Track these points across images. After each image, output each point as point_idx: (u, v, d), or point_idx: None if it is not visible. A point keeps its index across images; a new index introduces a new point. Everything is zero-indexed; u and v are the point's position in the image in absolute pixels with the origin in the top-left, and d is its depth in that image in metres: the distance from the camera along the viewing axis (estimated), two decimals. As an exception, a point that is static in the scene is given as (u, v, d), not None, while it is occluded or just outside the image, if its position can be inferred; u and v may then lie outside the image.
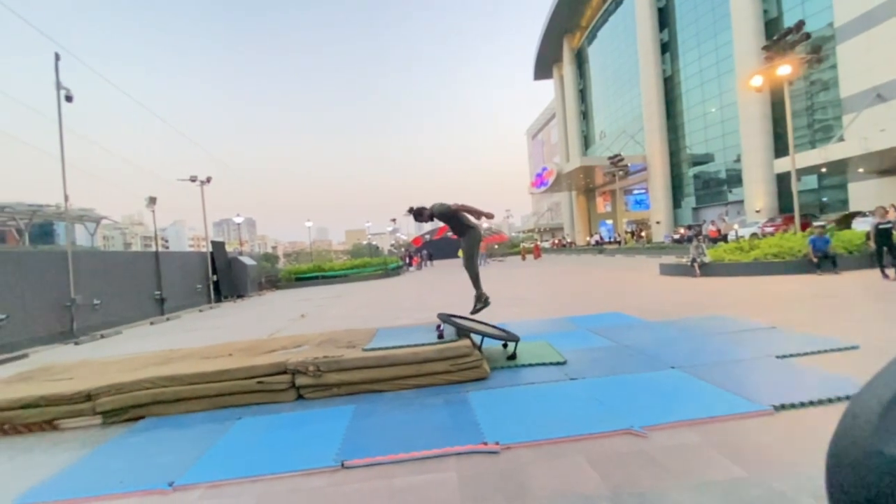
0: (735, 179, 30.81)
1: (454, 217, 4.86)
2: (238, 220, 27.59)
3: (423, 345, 4.09)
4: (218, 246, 18.45)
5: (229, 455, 3.02)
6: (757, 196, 27.44)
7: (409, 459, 2.71)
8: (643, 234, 36.67)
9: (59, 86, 10.71)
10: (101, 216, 42.68)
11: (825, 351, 4.13)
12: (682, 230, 28.57)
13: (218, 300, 17.45)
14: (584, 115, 51.87)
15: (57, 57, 11.06)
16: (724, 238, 22.72)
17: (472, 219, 4.98)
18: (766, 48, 14.58)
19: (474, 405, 3.46)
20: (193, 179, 18.36)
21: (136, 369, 4.48)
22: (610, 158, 30.95)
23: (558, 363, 4.36)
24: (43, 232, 49.95)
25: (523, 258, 33.06)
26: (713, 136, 32.84)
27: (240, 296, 18.73)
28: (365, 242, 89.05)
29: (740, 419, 2.88)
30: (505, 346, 4.85)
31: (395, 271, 26.96)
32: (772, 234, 18.32)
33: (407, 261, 32.78)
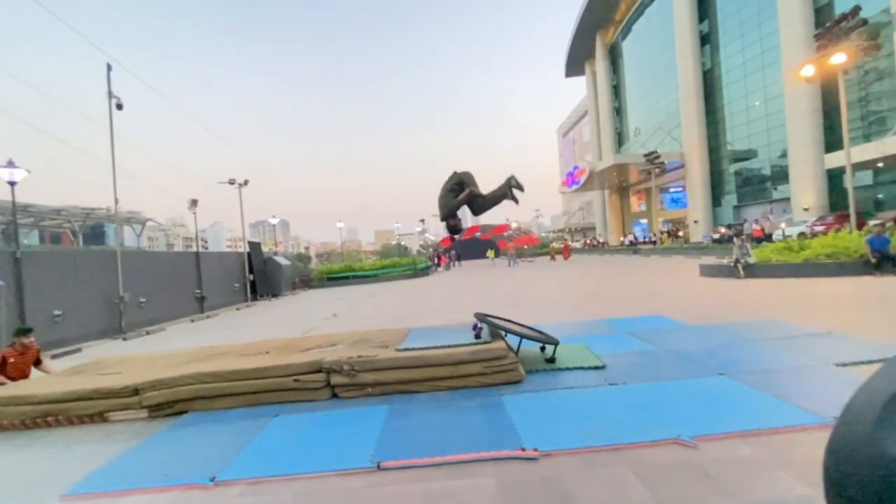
0: (781, 176, 29.21)
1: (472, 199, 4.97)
2: (273, 221, 28.44)
3: (457, 346, 4.03)
4: (254, 246, 19.05)
5: (268, 452, 3.06)
6: (805, 193, 25.91)
7: (446, 463, 2.66)
8: (680, 233, 35.33)
9: (110, 95, 11.31)
10: (146, 218, 44.92)
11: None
12: (722, 229, 27.31)
13: (254, 299, 18.01)
14: (618, 112, 50.51)
15: (109, 68, 11.69)
16: (769, 237, 21.58)
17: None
18: (818, 36, 13.73)
19: (510, 409, 3.38)
20: (232, 182, 19.03)
21: (179, 365, 4.64)
22: (646, 156, 29.98)
23: (597, 367, 4.21)
24: (95, 233, 53.12)
25: (552, 258, 32.48)
26: (757, 130, 31.25)
27: (274, 295, 19.27)
28: (394, 243, 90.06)
29: (800, 431, 2.67)
30: (542, 348, 4.73)
31: (424, 271, 27.07)
32: (822, 233, 17.26)
33: (435, 261, 32.84)
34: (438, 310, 10.12)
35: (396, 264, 28.02)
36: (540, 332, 4.64)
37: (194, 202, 16.32)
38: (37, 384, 4.46)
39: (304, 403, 3.99)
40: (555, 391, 3.71)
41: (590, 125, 56.63)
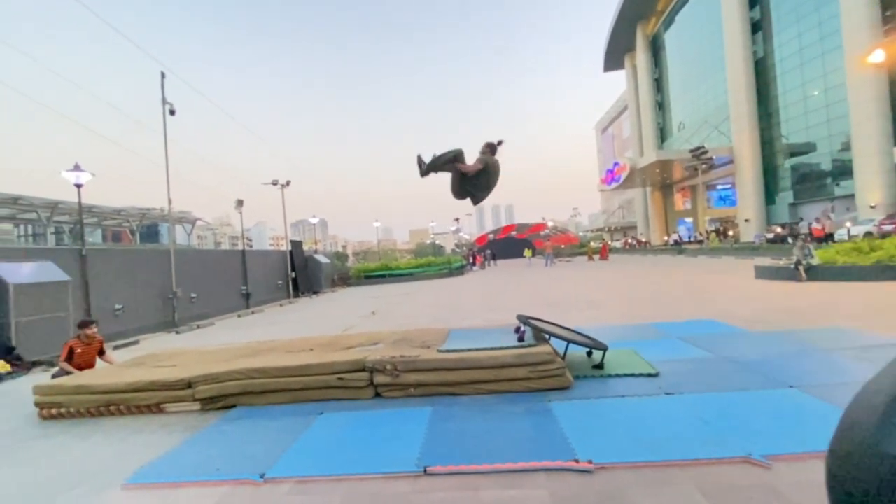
0: (843, 171, 27.09)
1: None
2: (313, 220, 29.23)
3: (501, 348, 3.93)
4: (296, 245, 19.63)
5: (314, 450, 3.07)
6: (871, 189, 23.90)
7: (495, 471, 2.57)
8: (730, 233, 33.48)
9: (164, 101, 11.92)
10: (196, 218, 47.30)
11: None
12: (778, 228, 25.62)
13: (296, 296, 18.55)
14: (660, 106, 48.50)
15: (162, 75, 12.32)
16: (831, 237, 20.05)
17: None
18: (888, 18, 12.55)
19: (559, 416, 3.24)
20: (275, 183, 19.68)
21: (228, 360, 4.78)
22: (692, 151, 28.61)
23: (650, 375, 3.99)
24: (150, 232, 56.50)
25: (590, 259, 31.56)
26: (815, 122, 29.14)
27: (315, 292, 19.78)
28: (428, 241, 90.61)
29: (893, 455, 2.39)
30: (589, 353, 4.55)
31: (459, 271, 27.01)
32: (892, 232, 15.84)
33: (470, 260, 32.70)
34: (476, 310, 10.02)
35: (431, 263, 28.12)
36: (586, 336, 4.46)
37: (240, 202, 16.99)
38: (100, 375, 4.72)
39: (347, 402, 4.00)
40: (606, 399, 3.53)
41: (630, 120, 54.69)
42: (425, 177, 4.42)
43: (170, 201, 12.31)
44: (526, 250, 33.49)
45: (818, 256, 10.16)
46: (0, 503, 2.74)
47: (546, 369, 3.73)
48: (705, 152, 28.44)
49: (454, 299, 12.96)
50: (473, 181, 4.43)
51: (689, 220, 43.94)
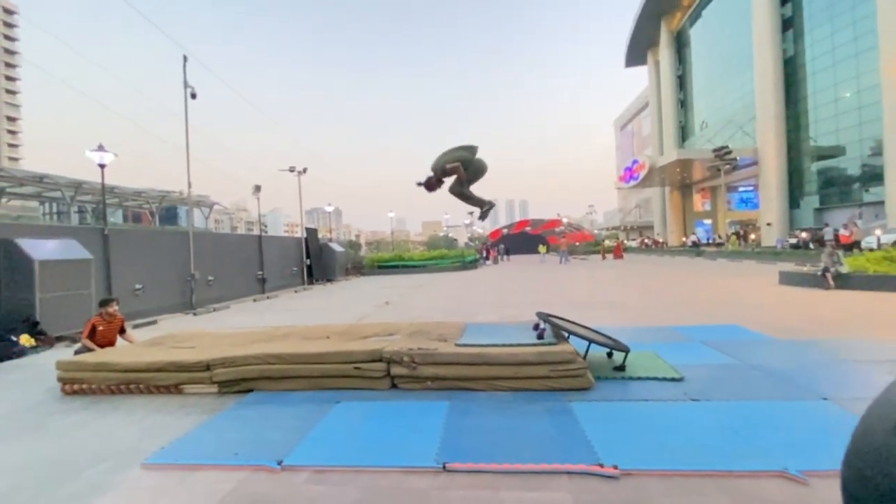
0: (873, 176, 26.16)
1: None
2: (329, 208, 29.37)
3: (521, 345, 3.85)
4: (311, 232, 19.73)
5: (331, 440, 3.05)
6: (903, 196, 23.07)
7: (515, 472, 2.51)
8: (752, 236, 32.70)
9: (185, 84, 11.98)
10: (213, 202, 47.86)
11: None
12: (803, 234, 24.88)
13: (310, 283, 18.69)
14: (682, 104, 47.38)
15: (185, 59, 12.38)
16: (857, 245, 19.42)
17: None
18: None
19: (580, 418, 3.16)
20: (292, 170, 19.77)
21: (246, 344, 4.80)
22: (715, 151, 27.87)
23: (674, 379, 3.88)
24: (169, 214, 57.42)
25: (603, 257, 31.14)
26: (846, 125, 28.14)
27: (329, 280, 19.90)
28: (441, 234, 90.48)
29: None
30: (609, 355, 4.45)
31: (472, 264, 26.91)
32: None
33: (484, 254, 32.54)
34: (490, 305, 9.94)
35: (444, 256, 28.07)
36: (608, 337, 4.35)
37: (258, 188, 17.10)
38: (120, 353, 4.78)
39: (364, 391, 3.98)
40: (628, 402, 3.44)
41: (651, 118, 53.60)
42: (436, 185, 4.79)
43: (189, 184, 12.43)
44: (540, 246, 33.16)
45: (847, 264, 9.82)
46: (28, 477, 2.77)
47: (567, 369, 3.65)
48: (729, 152, 27.70)
49: (468, 293, 12.90)
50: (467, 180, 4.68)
51: (707, 221, 43.07)
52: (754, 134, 33.66)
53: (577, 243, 42.72)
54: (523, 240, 46.97)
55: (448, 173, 4.68)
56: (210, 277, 12.39)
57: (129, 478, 2.70)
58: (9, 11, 69.60)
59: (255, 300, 13.47)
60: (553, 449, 2.73)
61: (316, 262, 19.27)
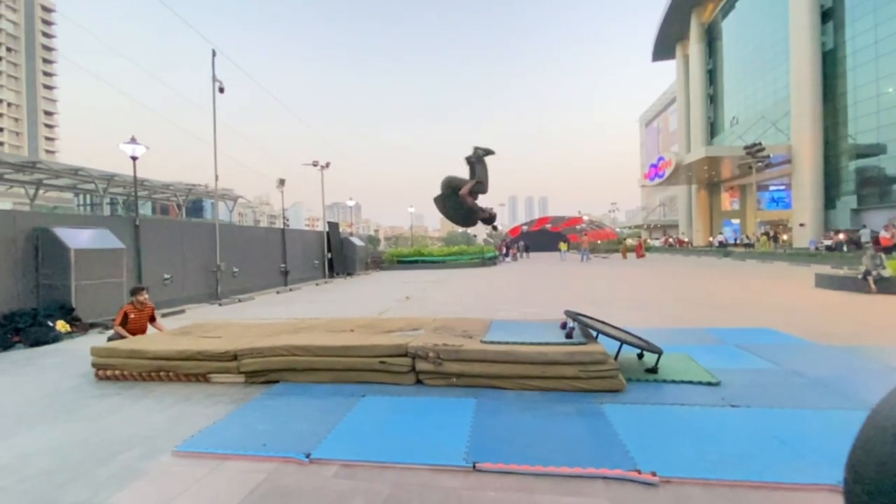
0: (917, 176, 24.88)
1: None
2: (350, 203, 29.65)
3: (549, 344, 3.76)
4: (333, 226, 19.92)
5: (358, 434, 3.03)
6: (949, 197, 21.84)
7: (549, 474, 2.43)
8: (784, 237, 31.52)
9: (214, 78, 12.17)
10: (237, 196, 48.88)
11: None
12: (840, 235, 23.82)
13: (331, 276, 18.89)
14: (712, 100, 45.89)
15: (213, 54, 12.58)
16: (897, 248, 18.48)
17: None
18: None
19: (613, 421, 3.06)
20: (315, 164, 19.96)
21: (271, 335, 4.84)
22: (747, 148, 26.93)
23: (710, 383, 3.72)
24: (195, 207, 58.91)
25: (623, 256, 30.44)
26: (888, 122, 26.74)
27: (349, 273, 20.07)
28: (460, 230, 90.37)
29: None
30: (640, 356, 4.31)
31: (492, 261, 26.75)
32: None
33: (504, 251, 32.27)
34: (511, 301, 9.83)
35: (464, 252, 27.97)
36: (639, 338, 4.21)
37: (282, 181, 17.35)
38: (151, 341, 4.88)
39: (388, 386, 3.96)
40: (663, 406, 3.31)
41: (678, 114, 52.13)
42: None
43: (216, 177, 12.66)
44: (561, 244, 32.71)
45: (890, 267, 9.34)
46: (66, 459, 2.83)
47: (597, 370, 3.54)
48: (762, 149, 26.71)
49: (488, 290, 12.80)
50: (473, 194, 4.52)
51: (735, 221, 41.75)
52: (788, 131, 32.36)
53: (599, 241, 42.02)
54: (543, 237, 46.48)
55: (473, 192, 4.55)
56: (235, 269, 12.63)
57: (160, 464, 2.73)
58: (47, 9, 72.25)
59: (278, 292, 13.67)
60: (587, 452, 2.64)
61: (337, 255, 19.45)
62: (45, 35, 71.82)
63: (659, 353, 4.01)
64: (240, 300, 11.57)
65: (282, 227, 16.57)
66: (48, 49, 72.11)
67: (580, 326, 4.17)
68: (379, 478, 2.49)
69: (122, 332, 5.47)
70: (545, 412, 3.28)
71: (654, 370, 3.97)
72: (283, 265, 15.50)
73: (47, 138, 72.19)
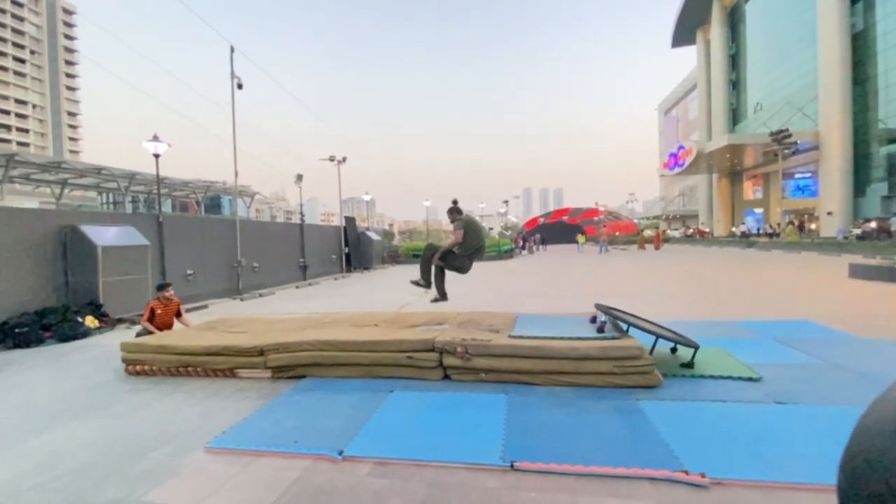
0: (954, 161, 23.76)
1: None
2: (366, 197, 29.76)
3: (581, 339, 3.64)
4: (350, 221, 19.99)
5: (390, 431, 2.97)
6: None
7: (591, 474, 2.33)
8: (813, 226, 30.48)
9: (232, 75, 12.22)
10: (255, 192, 49.49)
11: None
12: (872, 223, 22.89)
13: (349, 270, 18.98)
14: (734, 85, 44.48)
15: (231, 50, 12.62)
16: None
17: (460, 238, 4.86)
18: None
19: (652, 418, 2.94)
20: (332, 159, 20.00)
21: (296, 330, 4.82)
22: (772, 134, 26.04)
23: (750, 379, 3.56)
24: (213, 204, 59.95)
25: (640, 247, 29.78)
26: (923, 105, 25.61)
27: (366, 268, 20.14)
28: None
29: None
30: (674, 350, 4.16)
31: (508, 254, 26.56)
32: None
33: (521, 244, 31.96)
34: (533, 295, 9.70)
35: (480, 245, 27.79)
36: (674, 332, 4.06)
37: (300, 177, 17.41)
38: (178, 336, 4.91)
39: (416, 381, 3.90)
40: (703, 403, 3.18)
41: (698, 101, 50.73)
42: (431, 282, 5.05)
43: (236, 174, 12.76)
44: (579, 236, 32.27)
45: (931, 257, 8.90)
46: (101, 455, 2.84)
47: (633, 365, 3.42)
48: (789, 136, 25.80)
49: (507, 283, 12.68)
50: (466, 245, 4.81)
51: (759, 210, 40.61)
52: (815, 116, 31.22)
53: (618, 233, 41.32)
54: (560, 229, 45.97)
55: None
56: (255, 264, 12.75)
57: (193, 461, 2.72)
58: (68, 11, 73.80)
59: (297, 287, 13.78)
60: (628, 451, 2.54)
61: (354, 250, 19.53)
62: (67, 37, 73.45)
63: (695, 347, 3.86)
64: (260, 295, 11.69)
65: (300, 222, 16.66)
66: (70, 51, 73.79)
67: (611, 320, 4.04)
68: (415, 476, 2.43)
69: (150, 327, 5.53)
70: (579, 409, 3.17)
71: (689, 365, 3.82)
72: (301, 260, 15.62)
73: (71, 138, 74.10)
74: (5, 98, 63.79)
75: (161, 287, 5.88)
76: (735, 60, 44.07)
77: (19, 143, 61.84)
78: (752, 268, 14.11)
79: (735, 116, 44.11)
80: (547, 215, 52.95)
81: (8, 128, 63.73)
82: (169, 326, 5.72)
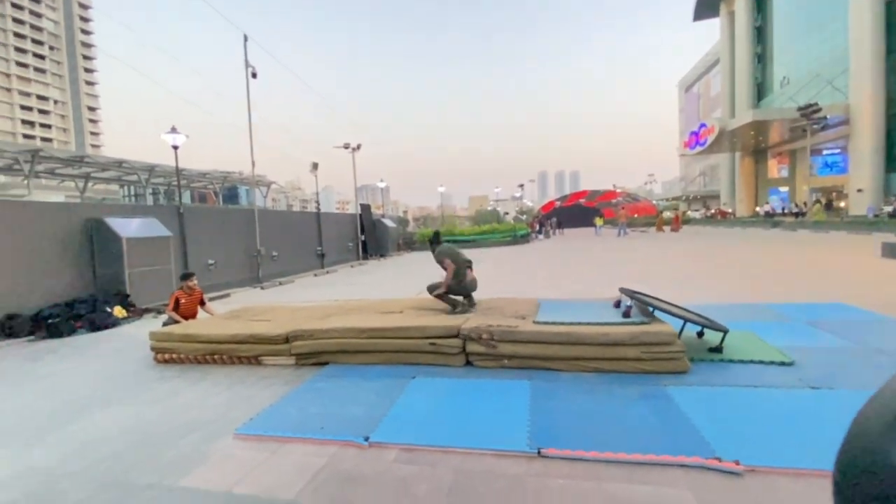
0: None
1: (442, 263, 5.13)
2: (381, 185, 29.74)
3: (610, 324, 3.57)
4: (365, 208, 20.03)
5: (414, 417, 2.98)
6: None
7: (619, 461, 2.30)
8: (842, 204, 29.34)
9: (247, 64, 12.21)
10: (270, 181, 49.96)
11: None
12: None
13: (365, 258, 19.10)
14: (760, 59, 42.65)
15: (245, 38, 12.58)
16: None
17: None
18: None
19: (681, 404, 2.88)
20: (346, 146, 19.98)
21: (320, 317, 4.86)
22: (801, 109, 24.97)
23: (783, 363, 3.46)
24: (230, 194, 60.81)
25: (659, 230, 29.09)
26: (964, 74, 24.16)
27: (382, 255, 20.23)
28: (489, 208, 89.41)
29: None
30: (700, 334, 4.07)
31: (524, 238, 26.33)
32: None
33: (537, 228, 31.59)
34: (551, 280, 9.61)
35: (495, 230, 27.61)
36: (702, 316, 3.96)
37: (315, 165, 17.45)
38: (204, 325, 5.00)
39: (438, 367, 3.90)
40: (734, 388, 3.10)
41: (721, 76, 48.89)
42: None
43: (253, 164, 12.84)
44: (597, 219, 31.74)
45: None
46: (132, 442, 2.92)
47: (662, 351, 3.35)
48: (818, 110, 24.70)
49: (525, 268, 12.59)
50: (457, 272, 4.99)
51: (783, 189, 39.31)
52: (846, 89, 29.79)
53: (636, 215, 40.54)
54: (577, 212, 45.33)
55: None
56: (274, 253, 12.91)
57: (222, 447, 2.77)
58: (84, 6, 74.64)
59: (315, 275, 13.93)
60: (657, 438, 2.49)
61: (370, 237, 19.61)
62: (84, 32, 74.46)
63: (724, 331, 3.75)
64: (280, 283, 11.86)
65: (316, 210, 16.76)
66: (87, 46, 74.85)
67: (637, 304, 3.96)
68: (441, 463, 2.43)
69: (176, 316, 5.65)
70: (605, 395, 3.13)
71: (718, 349, 3.73)
72: (319, 248, 15.76)
73: (92, 133, 75.70)
74: (27, 94, 65.31)
75: (185, 277, 5.99)
76: (761, 33, 42.19)
77: (43, 139, 63.51)
78: (778, 248, 13.69)
79: (760, 91, 42.42)
80: (563, 198, 52.27)
81: (31, 124, 65.39)
82: (193, 315, 5.84)
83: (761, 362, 3.50)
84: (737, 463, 2.18)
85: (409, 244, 25.23)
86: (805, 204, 30.26)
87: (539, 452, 2.42)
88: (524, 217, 47.10)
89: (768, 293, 6.61)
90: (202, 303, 6.03)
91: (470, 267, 5.13)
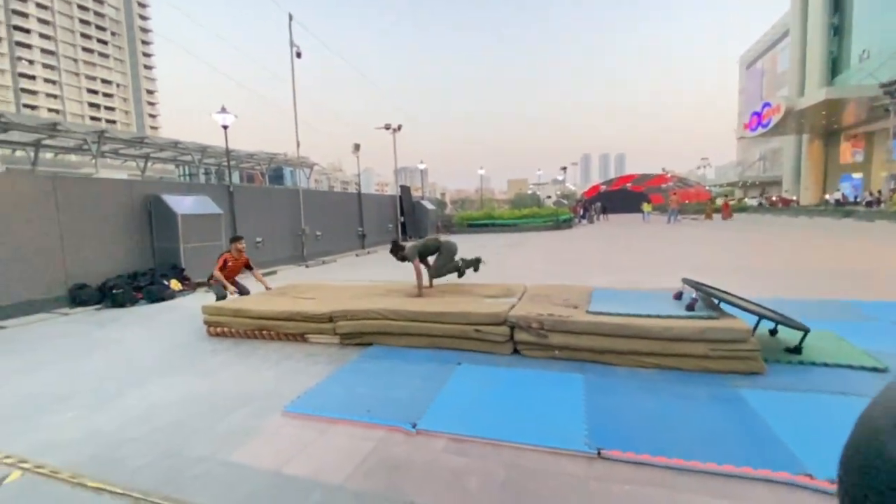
0: None
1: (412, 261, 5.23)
2: (421, 167, 29.69)
3: (674, 317, 3.30)
4: (405, 190, 20.07)
5: (462, 405, 2.88)
6: None
7: (692, 470, 2.09)
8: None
9: (291, 44, 12.30)
10: (313, 163, 51.05)
11: None
12: None
13: (404, 239, 19.20)
14: (836, 31, 38.60)
15: (290, 18, 12.66)
16: None
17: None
18: None
19: (758, 409, 2.61)
20: (387, 127, 19.97)
21: (364, 297, 4.85)
22: (883, 86, 22.51)
23: (875, 369, 3.08)
24: (276, 175, 62.78)
25: (707, 217, 27.30)
26: None
27: (421, 236, 20.28)
28: (529, 192, 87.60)
29: None
30: (773, 332, 3.70)
31: (567, 224, 25.58)
32: None
33: (581, 213, 30.58)
34: (599, 267, 9.22)
35: (536, 214, 26.95)
36: (777, 312, 3.59)
37: (357, 146, 17.54)
38: (253, 301, 5.12)
39: (483, 355, 3.78)
40: (819, 395, 2.78)
41: (790, 50, 44.75)
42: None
43: (298, 144, 13.05)
44: (644, 204, 30.31)
45: None
46: (188, 413, 3.00)
47: (733, 349, 3.05)
48: (905, 88, 22.15)
49: (569, 254, 12.18)
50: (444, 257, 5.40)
51: (857, 175, 35.90)
52: (941, 62, 26.48)
53: (688, 202, 38.37)
54: (623, 197, 43.51)
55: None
56: (318, 232, 13.18)
57: (272, 423, 2.79)
58: (142, -8, 77.96)
59: (356, 255, 14.13)
60: (734, 447, 2.25)
61: (409, 219, 19.67)
62: (141, 17, 78.06)
63: (805, 330, 3.38)
64: (324, 262, 12.11)
65: (358, 191, 16.92)
66: (145, 31, 78.53)
67: (703, 297, 3.64)
68: (492, 456, 2.31)
69: (220, 276, 5.84)
70: (668, 394, 2.89)
71: (797, 350, 3.37)
72: (360, 229, 15.96)
73: (150, 115, 79.99)
74: (93, 78, 69.61)
75: (234, 239, 6.17)
76: (837, 1, 38.11)
77: (107, 121, 67.71)
78: (853, 240, 12.49)
79: (835, 67, 38.55)
80: (609, 182, 50.25)
81: (97, 106, 69.83)
82: (236, 275, 6.08)
83: (850, 367, 3.13)
84: (832, 482, 1.92)
85: (447, 226, 25.13)
86: (879, 192, 27.51)
87: (599, 453, 2.25)
88: (566, 201, 45.78)
89: (846, 289, 5.98)
90: (249, 267, 6.20)
91: (440, 250, 5.44)
